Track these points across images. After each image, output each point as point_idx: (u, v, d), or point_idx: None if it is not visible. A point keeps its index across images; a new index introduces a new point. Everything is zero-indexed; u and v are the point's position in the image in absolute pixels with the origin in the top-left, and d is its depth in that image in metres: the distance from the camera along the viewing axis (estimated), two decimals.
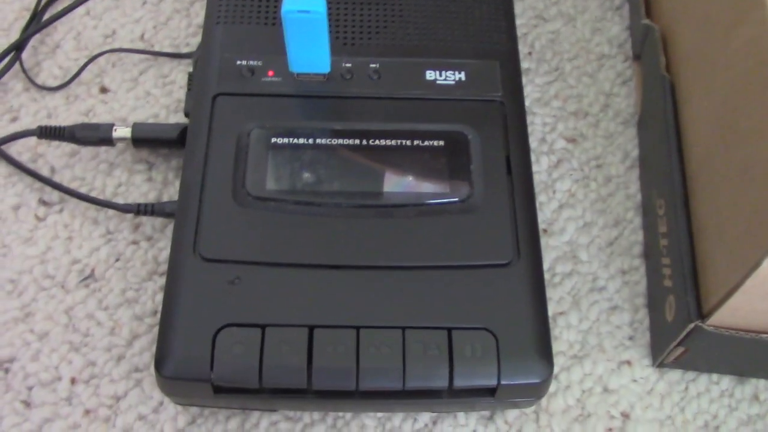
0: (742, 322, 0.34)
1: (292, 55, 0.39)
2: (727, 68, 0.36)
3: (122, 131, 0.42)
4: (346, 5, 0.42)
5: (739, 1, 0.35)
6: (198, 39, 0.48)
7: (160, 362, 0.33)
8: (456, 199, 0.37)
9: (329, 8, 0.37)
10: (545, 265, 0.40)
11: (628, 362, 0.39)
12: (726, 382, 0.39)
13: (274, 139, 0.38)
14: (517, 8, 0.48)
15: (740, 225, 0.32)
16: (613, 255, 0.42)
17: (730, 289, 0.32)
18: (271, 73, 0.40)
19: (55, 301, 0.40)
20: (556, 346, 0.39)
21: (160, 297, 0.40)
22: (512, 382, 0.33)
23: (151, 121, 0.45)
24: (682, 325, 0.35)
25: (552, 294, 0.41)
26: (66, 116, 0.46)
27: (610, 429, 0.38)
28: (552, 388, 0.38)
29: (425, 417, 0.38)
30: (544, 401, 0.38)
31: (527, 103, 0.46)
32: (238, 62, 0.40)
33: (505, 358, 0.33)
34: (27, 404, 0.38)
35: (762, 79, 0.32)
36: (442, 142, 0.38)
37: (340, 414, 0.38)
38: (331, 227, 0.36)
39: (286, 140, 0.38)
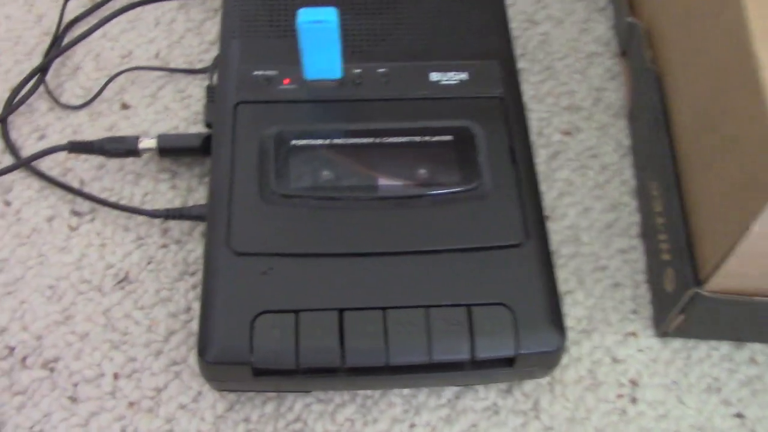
0: (736, 286, 0.37)
1: (306, 63, 0.42)
2: (708, 56, 0.39)
3: (148, 142, 0.45)
4: (355, 15, 0.45)
5: None
6: (210, 55, 0.51)
7: (203, 349, 0.36)
8: (467, 188, 0.40)
9: (340, 18, 0.40)
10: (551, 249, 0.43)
11: (634, 333, 0.42)
12: (725, 347, 0.42)
13: (294, 141, 0.41)
14: (509, 13, 0.51)
15: (728, 196, 0.35)
16: (613, 236, 0.45)
17: (723, 255, 0.35)
18: (287, 81, 0.43)
19: (93, 303, 0.43)
20: (566, 323, 0.42)
21: (192, 295, 0.43)
22: (529, 352, 0.36)
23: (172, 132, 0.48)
24: (681, 293, 0.38)
25: (558, 274, 0.44)
26: (90, 132, 0.48)
27: (621, 395, 0.41)
28: (564, 360, 0.41)
29: (448, 393, 0.40)
30: (557, 373, 0.41)
31: (524, 100, 0.49)
32: (256, 72, 0.43)
33: (522, 330, 0.36)
34: (73, 400, 0.40)
35: (739, 64, 0.35)
36: (450, 137, 0.41)
37: (369, 393, 0.40)
38: (352, 218, 0.39)
39: (305, 141, 0.41)
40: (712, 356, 0.42)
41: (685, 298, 0.38)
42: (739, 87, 0.35)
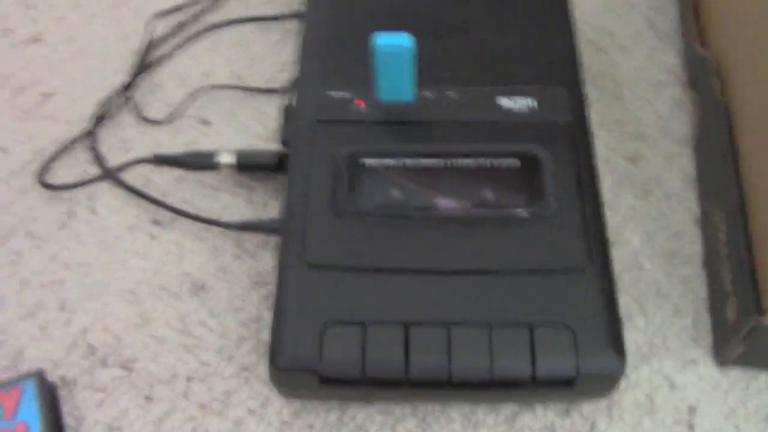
0: None
1: (381, 86, 0.44)
2: None
3: (227, 157, 0.47)
4: (428, 40, 0.47)
5: None
6: (285, 75, 0.54)
7: (274, 356, 0.38)
8: (533, 211, 0.41)
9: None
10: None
11: (693, 361, 0.43)
12: None
13: (366, 161, 0.43)
14: (578, 39, 0.52)
15: None
16: (675, 264, 0.46)
17: None
18: (360, 102, 0.45)
19: (170, 309, 0.45)
20: (626, 347, 0.43)
21: (263, 304, 0.45)
22: (589, 373, 0.37)
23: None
24: (742, 323, 0.39)
25: (620, 299, 0.44)
26: (171, 146, 0.51)
27: (678, 421, 0.41)
28: (623, 384, 0.42)
29: (506, 411, 0.41)
30: (615, 396, 0.42)
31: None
32: (332, 93, 0.45)
33: (583, 351, 0.37)
34: (149, 399, 0.42)
35: None
36: (517, 161, 0.43)
37: (429, 408, 0.41)
38: (420, 236, 0.40)
39: (376, 161, 0.43)
40: None
41: (746, 328, 0.38)
42: None
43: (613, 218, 0.47)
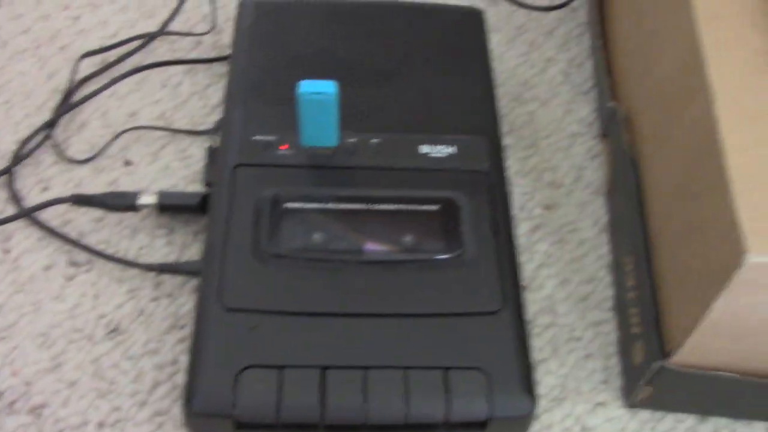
0: (701, 360, 0.39)
1: (304, 131, 0.44)
2: (680, 143, 0.42)
3: (148, 198, 0.47)
4: (352, 88, 0.48)
5: (687, 84, 0.41)
6: (212, 118, 0.54)
7: (189, 399, 0.37)
8: (449, 256, 0.42)
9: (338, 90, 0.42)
10: (527, 318, 0.45)
11: (603, 404, 0.44)
12: (690, 420, 0.43)
13: (288, 204, 0.43)
14: (498, 92, 0.54)
15: (695, 274, 0.38)
16: (588, 308, 0.47)
17: (687, 331, 0.37)
18: (284, 146, 0.46)
19: (83, 352, 0.44)
20: (539, 390, 0.44)
21: (179, 348, 0.44)
22: (501, 416, 0.38)
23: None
24: (648, 366, 0.40)
25: (534, 343, 0.45)
26: (92, 186, 0.51)
27: None
28: (536, 427, 0.43)
29: None
30: None
31: (508, 174, 0.51)
32: (255, 137, 0.46)
33: (495, 394, 0.38)
34: None
35: (708, 152, 0.38)
36: (436, 207, 0.44)
37: None
38: (339, 280, 0.41)
39: (298, 204, 0.43)
40: (677, 428, 0.43)
41: (652, 371, 0.40)
42: (707, 173, 0.38)
43: (528, 263, 0.49)
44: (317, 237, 0.42)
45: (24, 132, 0.52)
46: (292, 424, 0.37)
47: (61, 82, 0.55)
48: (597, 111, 0.56)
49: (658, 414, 0.44)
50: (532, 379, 0.39)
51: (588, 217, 0.51)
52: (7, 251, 0.48)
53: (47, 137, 0.52)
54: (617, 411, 0.44)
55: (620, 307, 0.46)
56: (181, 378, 0.43)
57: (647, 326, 0.41)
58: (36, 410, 0.42)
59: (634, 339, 0.43)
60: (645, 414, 0.44)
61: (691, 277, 0.38)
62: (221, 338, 0.39)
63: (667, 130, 0.44)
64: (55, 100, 0.54)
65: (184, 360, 0.44)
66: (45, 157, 0.52)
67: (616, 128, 0.50)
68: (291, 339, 0.39)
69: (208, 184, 0.47)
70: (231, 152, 0.45)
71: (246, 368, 0.38)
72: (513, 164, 0.53)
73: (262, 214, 0.43)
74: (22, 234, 0.48)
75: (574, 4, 0.61)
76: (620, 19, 0.54)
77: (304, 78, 0.42)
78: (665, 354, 0.39)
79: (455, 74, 0.50)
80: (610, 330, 0.46)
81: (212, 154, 0.48)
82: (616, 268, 0.48)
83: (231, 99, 0.48)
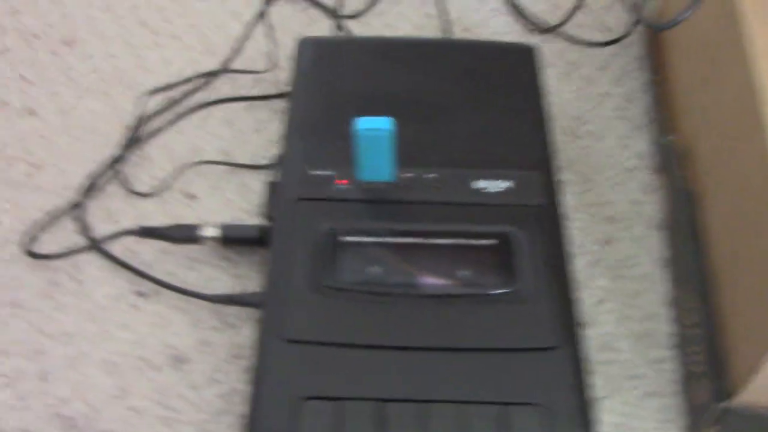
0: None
1: (361, 166, 0.45)
2: (740, 177, 0.41)
3: (212, 231, 0.49)
4: (409, 123, 0.49)
5: (745, 119, 0.41)
6: (272, 153, 0.55)
7: (249, 430, 0.38)
8: (507, 291, 0.42)
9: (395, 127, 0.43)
10: (587, 354, 0.45)
11: None
12: None
13: (346, 238, 0.44)
14: (554, 127, 0.55)
15: (759, 311, 0.37)
16: (649, 346, 0.47)
17: (753, 370, 0.37)
18: (343, 181, 0.46)
19: (150, 381, 0.45)
20: (600, 429, 0.43)
21: (242, 377, 0.45)
22: None
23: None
24: (713, 405, 0.39)
25: (594, 380, 0.45)
26: (157, 219, 0.52)
27: None
28: None
29: None
30: None
31: (565, 209, 0.51)
32: (315, 172, 0.47)
33: (555, 431, 0.37)
34: None
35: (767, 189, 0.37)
36: (492, 242, 0.44)
37: None
38: (397, 313, 0.41)
39: (356, 239, 0.44)
40: None
41: (717, 411, 0.39)
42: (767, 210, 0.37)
43: (587, 299, 0.48)
44: (375, 271, 0.43)
45: (93, 167, 0.55)
46: None
47: (128, 118, 0.57)
48: (653, 145, 0.56)
49: None
50: (593, 416, 0.39)
51: (647, 253, 0.51)
52: (77, 281, 0.49)
53: (115, 172, 0.54)
54: None
55: (682, 345, 0.46)
56: (242, 407, 0.44)
57: (711, 365, 0.40)
58: None
59: (698, 377, 0.42)
60: None
61: (755, 314, 0.37)
62: (282, 369, 0.39)
63: (727, 164, 0.43)
64: (122, 135, 0.56)
65: (245, 389, 0.44)
66: (113, 190, 0.54)
67: (673, 162, 0.50)
68: (350, 371, 0.39)
69: (268, 217, 0.48)
70: (291, 186, 0.46)
71: (307, 399, 0.38)
72: (569, 199, 0.53)
73: (321, 247, 0.43)
74: (92, 265, 0.50)
75: (628, 39, 0.61)
76: (676, 53, 0.54)
77: (360, 114, 0.43)
78: (730, 393, 0.39)
79: (510, 110, 0.51)
80: (672, 368, 0.46)
81: (272, 188, 0.49)
82: (677, 305, 0.47)
83: (290, 134, 0.49)
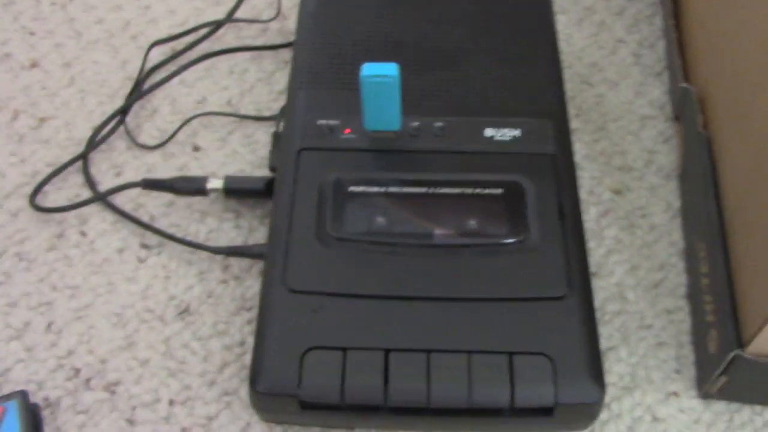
0: None
1: (367, 115, 0.44)
2: (757, 125, 0.40)
3: (215, 183, 0.48)
4: (415, 71, 0.47)
5: (764, 64, 0.39)
6: (278, 104, 0.54)
7: (254, 379, 0.38)
8: (515, 240, 0.41)
9: (401, 74, 0.42)
10: (596, 304, 0.44)
11: (676, 393, 0.43)
12: None
13: (351, 188, 0.43)
14: (565, 74, 0.53)
15: None
16: (659, 296, 0.46)
17: (765, 319, 0.36)
18: (347, 130, 0.46)
19: (155, 332, 0.45)
20: (608, 378, 0.43)
21: (247, 329, 0.45)
22: (568, 402, 0.37)
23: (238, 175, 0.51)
24: (724, 355, 0.39)
25: (603, 330, 0.44)
26: (163, 171, 0.52)
27: None
28: (604, 415, 0.42)
29: None
30: (597, 427, 0.41)
31: (576, 158, 0.50)
32: (319, 122, 0.46)
33: (562, 380, 0.37)
34: (131, 422, 0.42)
35: None
36: (500, 191, 0.43)
37: None
38: (402, 264, 0.41)
39: (361, 188, 0.43)
40: (754, 421, 0.42)
41: (727, 360, 0.38)
42: None
43: (597, 249, 0.47)
44: (380, 221, 0.42)
45: (98, 119, 0.54)
46: (356, 405, 0.37)
47: (133, 70, 0.57)
48: (669, 93, 0.54)
49: (734, 405, 0.42)
50: (600, 365, 0.38)
51: (659, 202, 0.49)
52: (83, 234, 0.49)
53: (120, 124, 0.54)
54: (690, 401, 0.42)
55: (694, 295, 0.45)
56: (248, 359, 0.44)
57: (722, 314, 0.40)
58: (111, 387, 0.43)
59: (709, 327, 0.41)
60: (720, 405, 0.42)
61: None
62: (285, 320, 0.39)
63: (744, 111, 0.42)
64: (127, 87, 0.56)
65: (251, 341, 0.44)
66: (118, 143, 0.53)
67: (689, 110, 0.48)
68: (354, 321, 0.39)
69: (273, 169, 0.47)
70: (295, 137, 0.46)
71: (310, 349, 0.38)
72: (581, 148, 0.52)
73: (326, 197, 0.43)
74: (97, 217, 0.50)
75: None
76: None
77: (367, 62, 0.42)
78: (741, 343, 0.38)
79: (521, 56, 0.50)
80: (683, 318, 0.45)
81: (277, 139, 0.49)
82: (689, 255, 0.46)
83: (295, 84, 0.48)
